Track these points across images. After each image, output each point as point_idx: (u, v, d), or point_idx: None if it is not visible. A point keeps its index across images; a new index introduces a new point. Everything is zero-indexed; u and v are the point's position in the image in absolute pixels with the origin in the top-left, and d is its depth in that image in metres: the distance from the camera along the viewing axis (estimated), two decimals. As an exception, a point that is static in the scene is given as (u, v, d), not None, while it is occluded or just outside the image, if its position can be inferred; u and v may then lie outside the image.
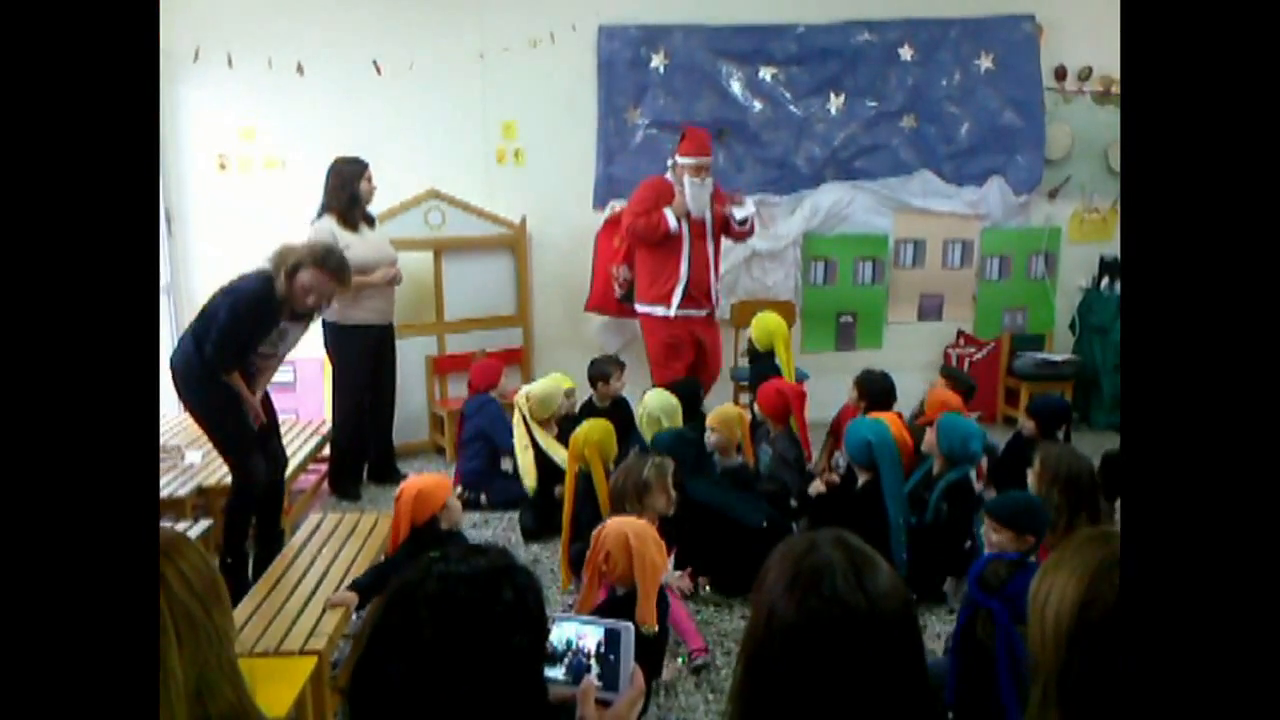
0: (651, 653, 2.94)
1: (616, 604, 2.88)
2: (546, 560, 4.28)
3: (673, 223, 5.09)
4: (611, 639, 1.48)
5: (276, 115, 5.47)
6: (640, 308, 5.33)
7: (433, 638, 1.17)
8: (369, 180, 4.83)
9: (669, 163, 5.25)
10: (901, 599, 1.19)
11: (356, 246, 4.68)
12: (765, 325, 5.15)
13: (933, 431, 3.99)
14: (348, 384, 4.92)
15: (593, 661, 1.48)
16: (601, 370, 5.06)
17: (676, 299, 5.13)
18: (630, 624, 1.50)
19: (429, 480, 3.44)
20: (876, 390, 4.76)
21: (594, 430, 3.97)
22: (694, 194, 5.06)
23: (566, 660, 1.49)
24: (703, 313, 5.23)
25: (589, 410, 4.98)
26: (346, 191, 4.77)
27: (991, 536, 2.98)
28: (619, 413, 4.82)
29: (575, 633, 1.49)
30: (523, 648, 1.22)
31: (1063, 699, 1.21)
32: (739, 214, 5.19)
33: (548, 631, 1.29)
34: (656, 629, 2.85)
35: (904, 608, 1.18)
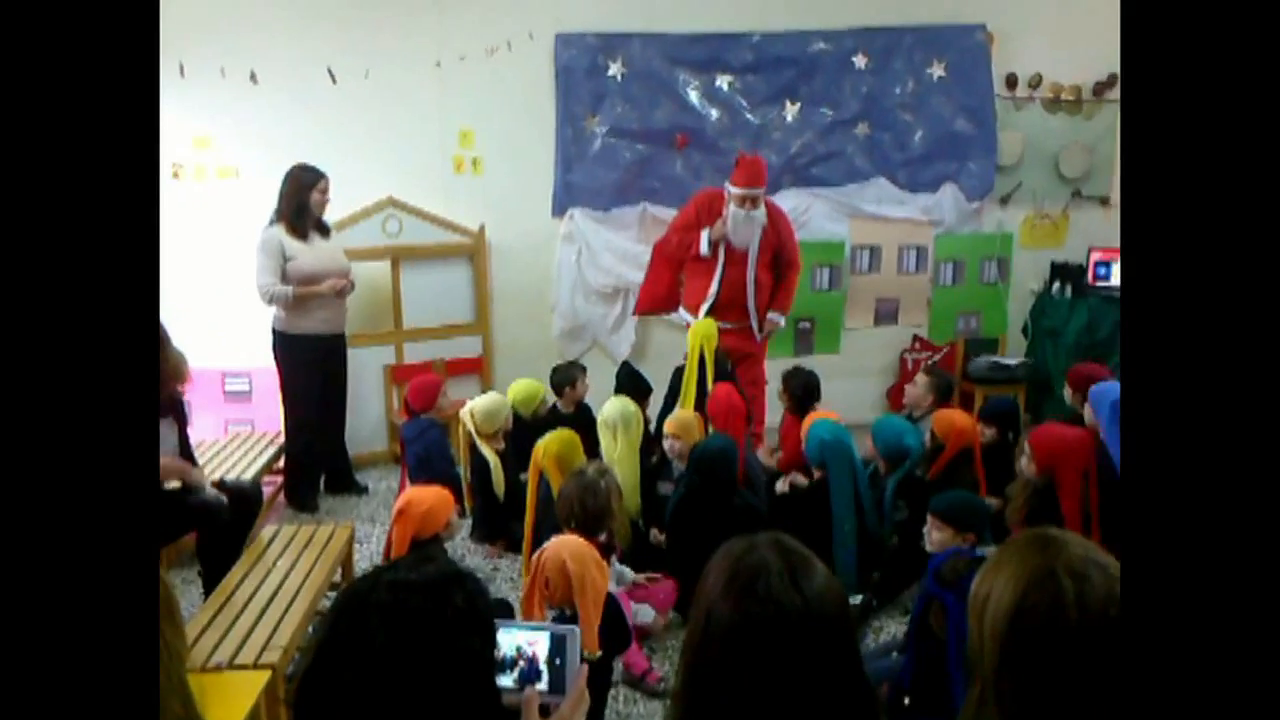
0: (602, 664, 2.93)
1: (564, 623, 2.85)
2: (506, 569, 4.27)
3: (705, 247, 5.15)
4: (557, 644, 1.49)
5: (230, 124, 5.41)
6: (681, 311, 5.45)
7: (384, 645, 1.17)
8: (322, 192, 4.77)
9: (726, 183, 5.19)
10: (837, 599, 1.20)
11: (303, 256, 4.71)
12: (692, 330, 5.05)
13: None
14: (296, 394, 4.87)
15: (543, 667, 1.49)
16: (567, 376, 5.07)
17: (702, 314, 5.17)
18: (576, 629, 1.51)
19: (435, 496, 3.41)
20: (798, 388, 4.88)
21: (554, 442, 3.95)
22: (735, 224, 5.08)
23: (518, 668, 1.49)
24: (728, 326, 5.19)
25: (554, 416, 4.99)
26: (296, 200, 4.72)
27: (934, 534, 3.05)
28: (582, 419, 4.82)
29: (525, 640, 1.50)
30: (475, 651, 1.22)
31: (999, 700, 1.24)
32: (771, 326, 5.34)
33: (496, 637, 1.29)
34: (600, 654, 2.80)
35: (839, 608, 1.20)
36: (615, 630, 2.98)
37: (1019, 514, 3.62)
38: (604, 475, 3.46)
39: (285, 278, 4.67)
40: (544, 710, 1.42)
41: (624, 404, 4.36)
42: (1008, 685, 1.23)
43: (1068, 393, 4.98)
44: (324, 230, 4.91)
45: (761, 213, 5.13)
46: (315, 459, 5.03)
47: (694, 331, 4.90)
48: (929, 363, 6.33)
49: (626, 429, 4.24)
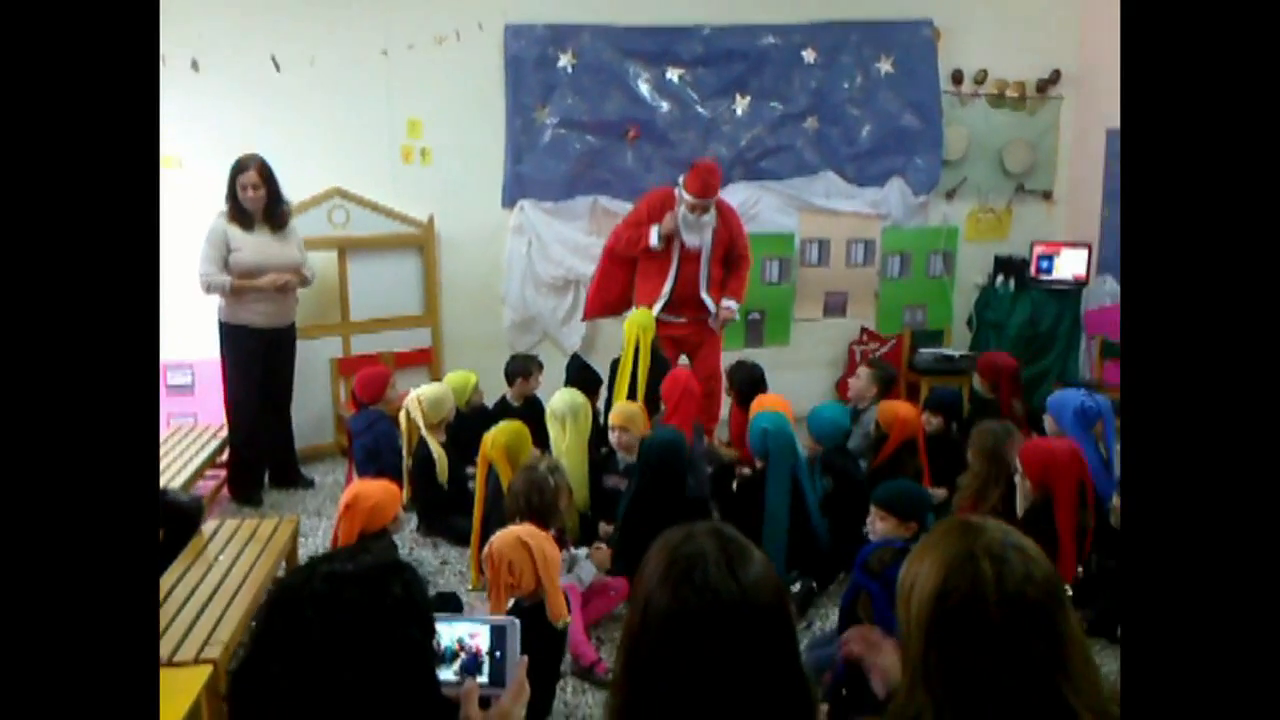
0: (549, 655, 2.94)
1: (522, 615, 2.87)
2: (454, 561, 4.25)
3: (654, 240, 5.13)
4: (497, 636, 1.49)
5: (173, 113, 5.29)
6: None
7: (320, 638, 1.16)
8: (244, 187, 4.58)
9: (679, 179, 5.17)
10: (774, 588, 1.22)
11: (245, 248, 4.63)
12: (629, 320, 5.06)
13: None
14: (237, 385, 4.79)
15: (484, 660, 1.49)
16: (522, 367, 5.05)
17: (657, 309, 5.17)
18: (515, 620, 1.51)
19: (383, 490, 3.37)
20: (743, 382, 4.97)
21: (502, 433, 3.95)
22: (685, 227, 5.10)
23: (459, 660, 1.49)
24: (681, 319, 5.24)
25: (503, 408, 4.97)
26: (229, 191, 4.62)
27: (877, 524, 3.11)
28: (531, 411, 4.81)
29: (466, 632, 1.50)
30: (413, 640, 1.22)
31: (927, 681, 1.27)
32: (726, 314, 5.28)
33: (435, 628, 1.29)
34: (569, 619, 2.85)
35: (776, 597, 1.21)
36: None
37: (968, 504, 3.68)
38: (554, 472, 3.47)
39: (228, 268, 4.59)
40: (485, 702, 1.42)
41: (572, 396, 4.36)
42: (934, 667, 1.26)
43: (977, 380, 5.15)
44: (277, 223, 4.76)
45: (711, 216, 5.14)
46: (257, 453, 4.94)
47: (631, 322, 4.91)
48: (874, 355, 6.41)
49: (575, 421, 4.24)
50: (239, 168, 4.59)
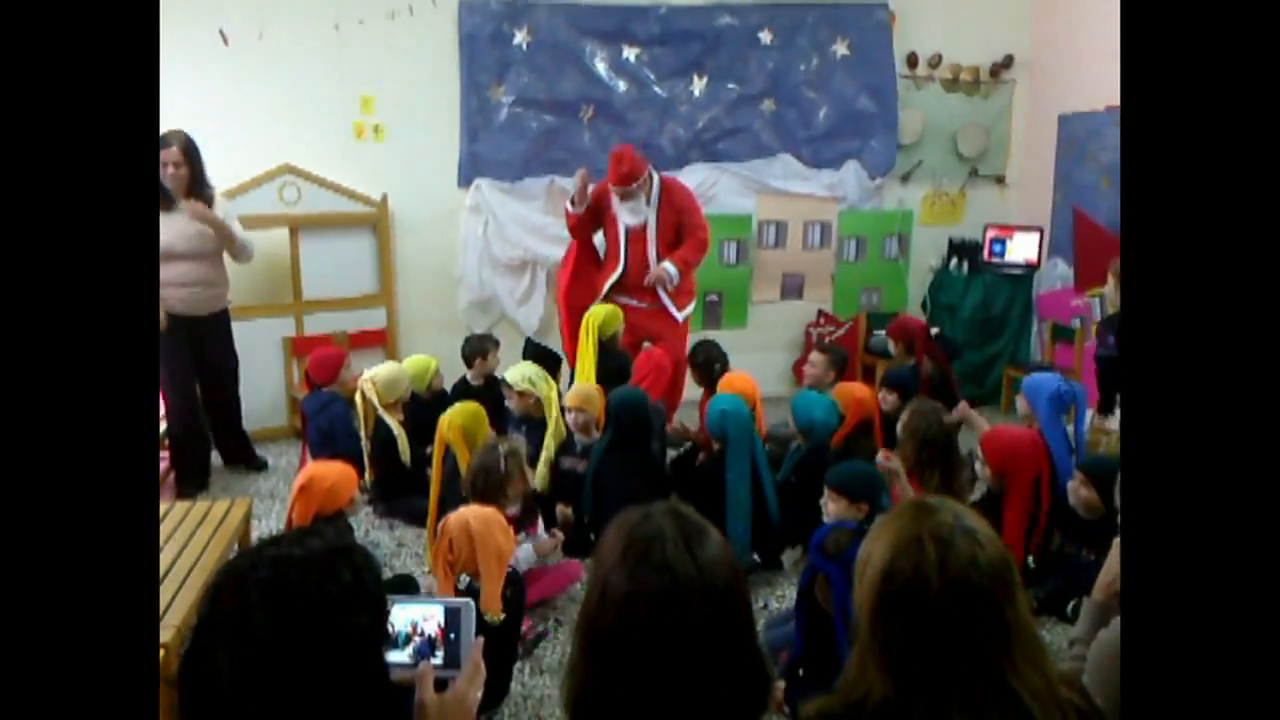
0: (505, 638, 2.94)
1: (474, 595, 2.87)
2: (411, 544, 4.22)
3: (571, 208, 5.09)
4: (452, 617, 1.48)
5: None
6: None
7: (265, 623, 1.14)
8: (163, 164, 4.27)
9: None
10: (730, 567, 1.22)
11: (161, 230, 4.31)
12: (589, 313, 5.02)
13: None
14: (164, 374, 4.51)
15: (438, 642, 1.48)
16: (479, 347, 5.02)
17: (607, 287, 5.17)
18: (470, 601, 1.50)
19: (339, 472, 3.33)
20: (705, 361, 5.01)
21: (458, 414, 3.92)
22: (618, 209, 5.06)
23: (413, 644, 1.48)
24: (643, 305, 5.19)
25: (463, 388, 4.93)
26: None
27: (829, 506, 3.14)
28: (491, 391, 4.79)
29: (420, 615, 1.49)
30: (362, 628, 1.20)
31: (875, 659, 1.28)
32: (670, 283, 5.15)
33: (387, 613, 1.28)
34: (503, 616, 2.84)
35: (733, 576, 1.22)
36: (519, 604, 3.00)
37: (907, 463, 3.69)
38: (511, 456, 3.45)
39: None
40: (440, 685, 1.41)
41: (525, 368, 4.41)
42: (882, 646, 1.28)
43: (890, 344, 5.26)
44: (200, 202, 4.40)
45: (647, 196, 5.05)
46: (198, 442, 4.76)
47: (591, 314, 4.89)
48: (828, 339, 6.45)
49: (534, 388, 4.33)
50: (160, 143, 4.27)
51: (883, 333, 6.43)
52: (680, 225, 5.15)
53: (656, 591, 1.16)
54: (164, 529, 3.52)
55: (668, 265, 5.07)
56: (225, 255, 4.65)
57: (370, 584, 1.23)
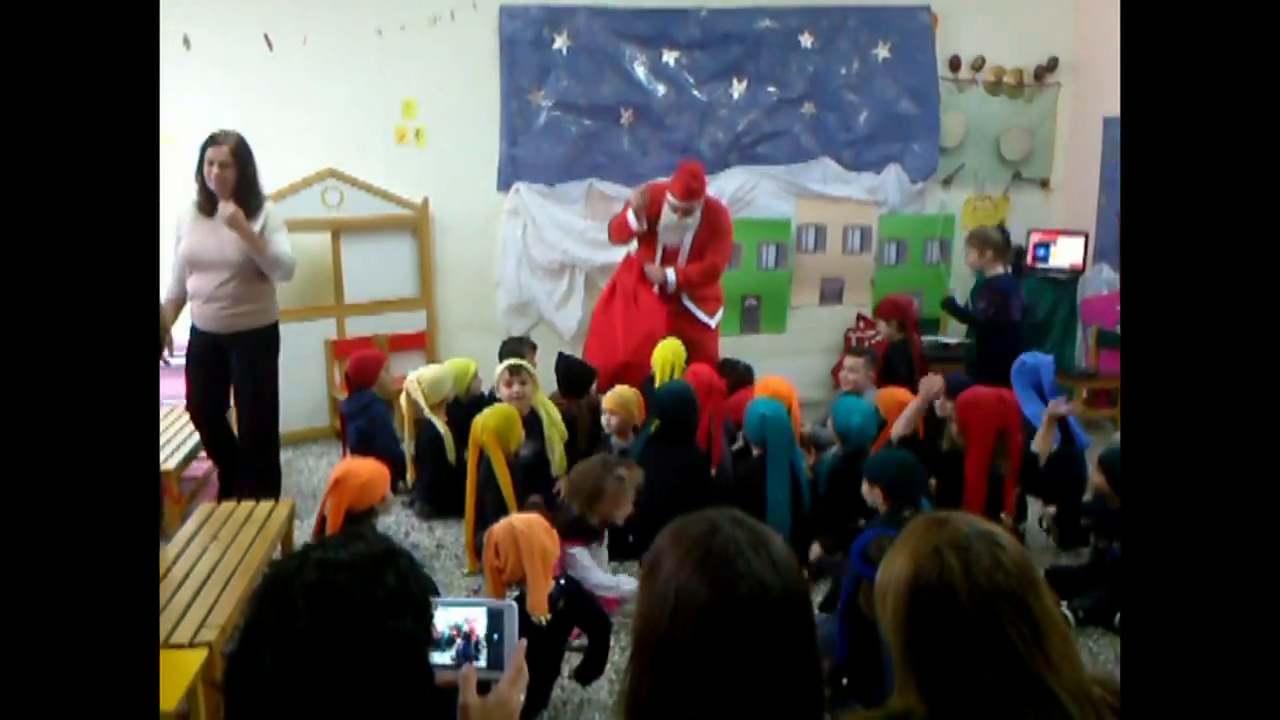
0: (551, 648, 2.94)
1: (519, 601, 2.88)
2: (451, 545, 4.24)
3: (631, 220, 5.08)
4: (495, 619, 1.48)
5: (166, 90, 5.22)
6: None
7: (310, 627, 1.14)
8: (210, 163, 3.94)
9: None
10: (799, 571, 1.22)
11: (189, 237, 4.07)
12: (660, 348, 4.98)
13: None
14: (188, 391, 4.30)
15: (482, 644, 1.48)
16: (514, 350, 5.03)
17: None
18: (514, 603, 1.50)
19: (373, 468, 3.36)
20: (732, 374, 4.94)
21: (492, 417, 3.94)
22: (666, 226, 5.06)
23: (456, 646, 1.48)
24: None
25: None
26: (198, 171, 4.02)
27: (865, 492, 3.18)
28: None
29: (463, 617, 1.48)
30: (407, 633, 1.20)
31: (912, 678, 1.27)
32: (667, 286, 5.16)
33: (432, 616, 1.27)
34: (549, 617, 2.83)
35: (802, 579, 1.22)
36: (576, 612, 2.98)
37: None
38: (618, 479, 3.48)
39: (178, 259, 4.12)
40: (483, 687, 1.40)
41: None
42: (915, 663, 1.26)
43: (884, 325, 5.52)
44: (246, 212, 3.99)
45: (695, 218, 5.08)
46: (226, 461, 4.38)
47: (664, 347, 4.80)
48: (866, 344, 6.39)
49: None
50: (211, 141, 3.98)
51: (925, 339, 6.38)
52: (706, 248, 5.15)
53: (745, 601, 1.14)
54: (208, 530, 3.56)
55: (669, 271, 5.11)
56: None
57: (415, 588, 1.23)
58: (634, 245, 5.28)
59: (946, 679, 1.24)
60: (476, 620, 1.48)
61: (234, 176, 3.96)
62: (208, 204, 4.00)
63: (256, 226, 4.04)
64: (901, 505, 3.16)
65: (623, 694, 1.23)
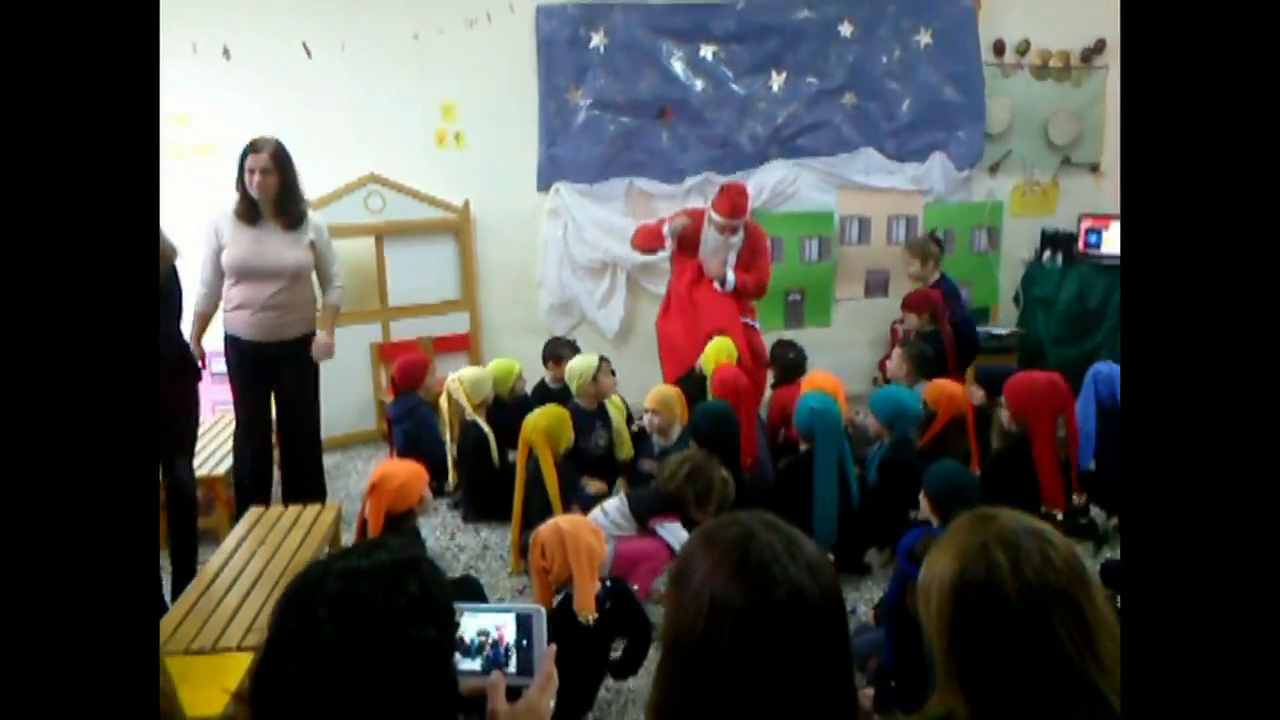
0: (598, 649, 2.93)
1: (569, 602, 2.88)
2: (496, 546, 4.25)
3: (667, 234, 5.12)
4: (524, 624, 1.46)
5: (206, 101, 5.33)
6: None
7: (333, 636, 1.14)
8: (250, 170, 3.92)
9: (709, 209, 5.13)
10: (833, 574, 1.19)
11: (235, 245, 3.99)
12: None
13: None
14: (237, 408, 4.24)
15: (511, 650, 1.46)
16: (554, 351, 5.05)
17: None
18: (541, 608, 1.48)
19: (408, 470, 3.38)
20: (784, 362, 5.01)
21: (542, 417, 3.95)
22: (707, 245, 5.07)
23: (485, 652, 1.47)
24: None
25: (542, 391, 4.96)
26: (238, 178, 4.00)
27: (923, 503, 3.11)
28: (569, 393, 4.79)
29: (492, 623, 1.47)
30: (430, 640, 1.19)
31: (958, 680, 1.23)
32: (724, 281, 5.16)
33: (457, 624, 1.26)
34: (595, 616, 2.83)
35: (836, 583, 1.19)
36: (622, 613, 2.97)
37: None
38: (727, 482, 3.61)
39: (220, 268, 4.04)
40: (513, 693, 1.39)
41: (583, 359, 4.58)
42: (960, 664, 1.22)
43: (912, 317, 5.43)
44: (289, 221, 4.03)
45: (738, 239, 5.10)
46: (250, 476, 4.25)
47: (716, 346, 4.75)
48: (912, 335, 6.30)
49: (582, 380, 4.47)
50: (251, 148, 3.96)
51: (980, 329, 6.27)
52: (749, 265, 5.17)
53: (782, 607, 1.11)
54: (256, 533, 3.61)
55: (730, 273, 5.11)
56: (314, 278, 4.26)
57: (438, 596, 1.22)
58: (662, 254, 5.33)
59: (992, 681, 1.21)
60: (505, 626, 1.47)
61: (275, 183, 3.96)
62: (250, 212, 3.99)
63: (306, 239, 4.08)
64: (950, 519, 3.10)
65: (651, 703, 1.21)
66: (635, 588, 3.20)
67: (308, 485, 4.33)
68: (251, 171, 3.92)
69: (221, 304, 4.11)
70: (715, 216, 5.03)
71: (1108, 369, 4.29)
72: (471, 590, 3.34)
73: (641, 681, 3.12)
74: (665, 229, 5.13)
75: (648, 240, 5.27)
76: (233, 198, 4.04)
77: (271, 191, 3.96)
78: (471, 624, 1.46)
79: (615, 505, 3.64)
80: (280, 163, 3.98)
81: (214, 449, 4.54)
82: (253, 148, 3.97)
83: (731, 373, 4.39)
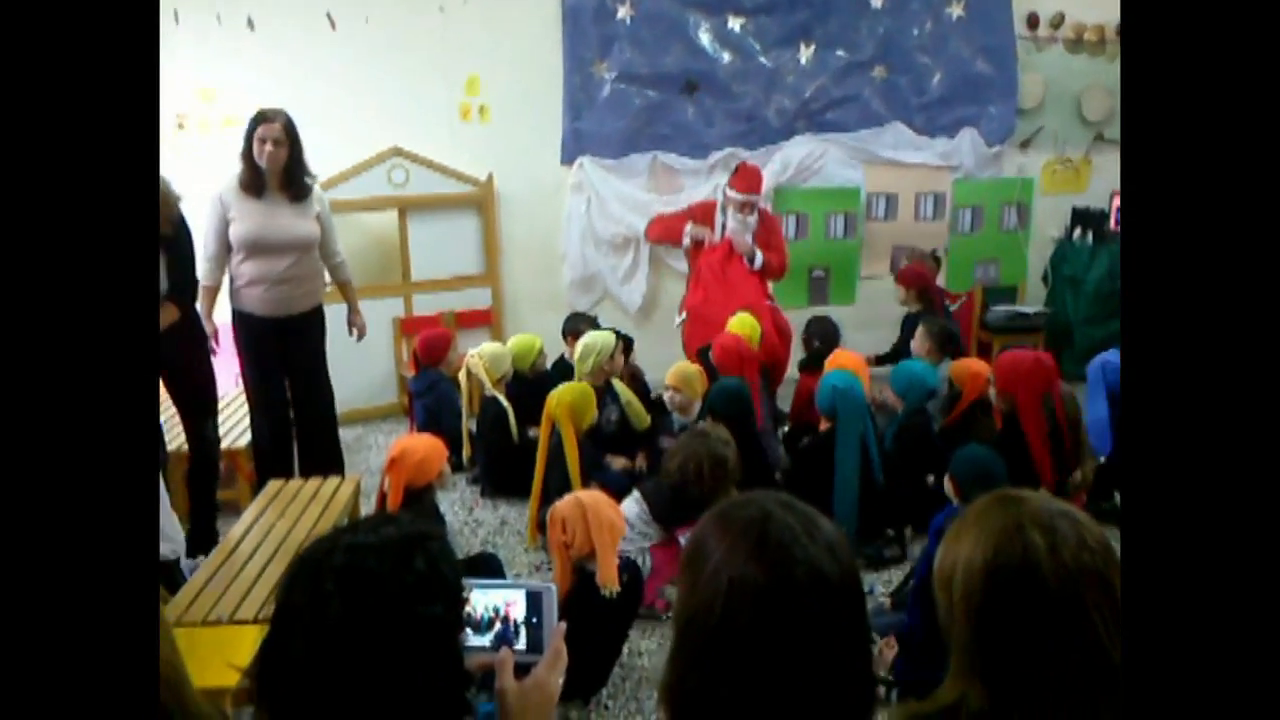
0: (616, 625, 2.93)
1: (587, 578, 2.88)
2: (514, 521, 4.25)
3: (686, 239, 5.34)
4: (534, 602, 1.45)
5: (232, 73, 5.30)
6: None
7: (340, 611, 1.12)
8: (263, 140, 3.83)
9: (720, 188, 5.39)
10: (851, 554, 1.16)
11: (246, 218, 3.92)
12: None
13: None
14: (253, 383, 4.17)
15: (520, 627, 1.45)
16: (574, 327, 5.03)
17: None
18: (552, 586, 1.47)
19: (427, 444, 3.37)
20: (820, 335, 5.04)
21: (568, 392, 3.93)
22: (734, 227, 5.20)
23: (495, 629, 1.45)
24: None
25: (562, 366, 4.95)
26: (245, 149, 3.90)
27: (948, 486, 3.07)
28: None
29: (502, 599, 1.46)
30: (437, 617, 1.17)
31: (981, 669, 1.19)
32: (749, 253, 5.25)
33: (465, 600, 1.25)
34: (619, 589, 2.84)
35: (854, 563, 1.16)
36: (634, 592, 2.97)
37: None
38: (728, 445, 3.45)
39: (230, 244, 3.96)
40: (521, 670, 1.37)
41: (595, 337, 4.50)
42: (987, 650, 1.19)
43: (902, 293, 5.38)
44: (296, 193, 3.98)
45: (754, 219, 5.23)
46: (271, 450, 4.23)
47: (740, 322, 4.74)
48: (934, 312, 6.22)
49: (599, 358, 4.38)
50: (261, 118, 3.87)
51: (1001, 309, 6.19)
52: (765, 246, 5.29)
53: (803, 587, 1.09)
54: (275, 507, 3.62)
55: (759, 255, 5.23)
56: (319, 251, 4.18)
57: (446, 572, 1.20)
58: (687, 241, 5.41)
59: (1020, 667, 1.18)
60: (515, 603, 1.46)
61: (285, 155, 3.90)
62: (255, 183, 3.92)
63: (313, 211, 4.06)
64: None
65: (665, 686, 1.18)
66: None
67: (327, 458, 4.31)
68: (263, 141, 3.85)
69: (228, 280, 4.06)
70: (733, 194, 5.13)
71: (1116, 359, 4.22)
72: (491, 567, 3.34)
73: (655, 660, 3.12)
74: (686, 235, 5.31)
75: (665, 236, 5.45)
76: (235, 170, 3.97)
77: (280, 163, 3.90)
78: (482, 600, 1.44)
79: (636, 513, 3.49)
80: (291, 134, 3.92)
81: (236, 420, 4.55)
82: (263, 118, 3.89)
83: (732, 340, 4.39)
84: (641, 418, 4.50)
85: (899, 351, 5.18)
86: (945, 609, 1.25)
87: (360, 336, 4.43)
